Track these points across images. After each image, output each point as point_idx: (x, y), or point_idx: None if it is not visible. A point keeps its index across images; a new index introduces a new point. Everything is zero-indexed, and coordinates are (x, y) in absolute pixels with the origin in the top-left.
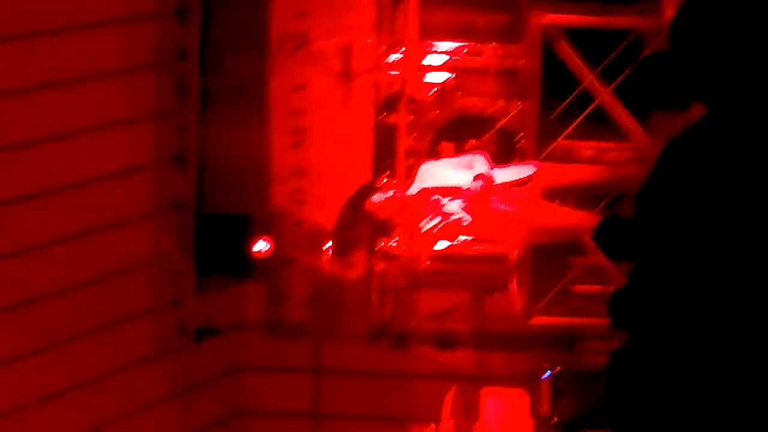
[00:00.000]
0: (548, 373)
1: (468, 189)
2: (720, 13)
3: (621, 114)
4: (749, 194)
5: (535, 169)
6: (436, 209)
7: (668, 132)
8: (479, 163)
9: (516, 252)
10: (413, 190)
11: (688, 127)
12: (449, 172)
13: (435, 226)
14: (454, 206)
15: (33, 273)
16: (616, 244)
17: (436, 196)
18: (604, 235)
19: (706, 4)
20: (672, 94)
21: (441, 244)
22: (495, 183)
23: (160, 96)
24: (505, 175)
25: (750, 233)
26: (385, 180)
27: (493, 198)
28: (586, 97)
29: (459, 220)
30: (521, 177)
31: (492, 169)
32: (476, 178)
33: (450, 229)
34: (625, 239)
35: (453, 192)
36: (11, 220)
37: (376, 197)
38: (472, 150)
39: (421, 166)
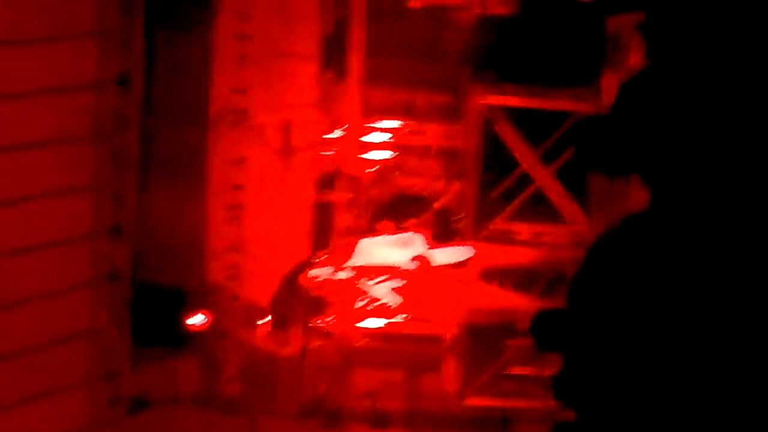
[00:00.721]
0: None
1: (405, 269)
2: (665, 91)
3: (560, 196)
4: (674, 292)
5: (472, 251)
6: (367, 292)
7: (606, 217)
8: (417, 243)
9: (451, 333)
10: (350, 266)
11: (615, 225)
12: (387, 250)
13: (367, 305)
14: (382, 290)
15: None
16: (551, 338)
17: (368, 281)
18: (540, 328)
19: (653, 81)
20: (610, 161)
21: (376, 323)
22: (432, 264)
23: (99, 166)
24: (442, 255)
25: (678, 332)
26: (322, 257)
27: (430, 279)
28: (525, 179)
29: (386, 305)
30: (459, 259)
31: (430, 248)
32: (414, 259)
33: (381, 310)
34: (559, 334)
35: (390, 271)
36: None
37: (313, 273)
38: (411, 229)
39: (360, 242)
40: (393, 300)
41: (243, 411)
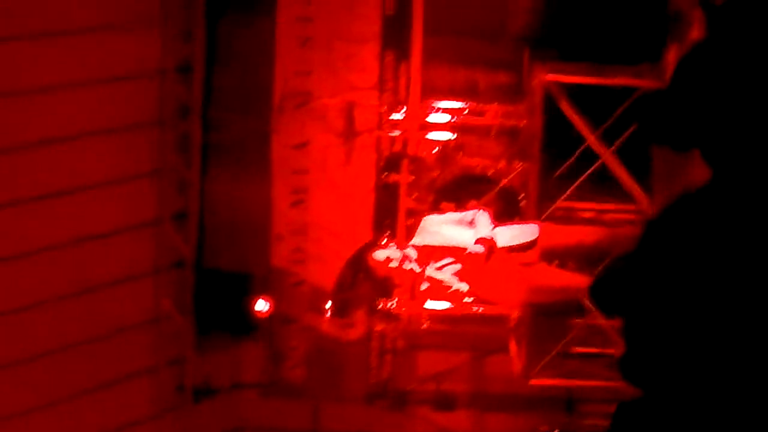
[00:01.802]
0: None
1: (470, 252)
2: (722, 64)
3: (622, 175)
4: (732, 269)
5: (537, 231)
6: (432, 280)
7: (668, 194)
8: (482, 221)
9: (516, 313)
10: (415, 243)
11: (671, 202)
12: (451, 229)
13: (433, 287)
14: (447, 275)
15: (36, 329)
16: (611, 299)
17: (432, 268)
18: (599, 290)
19: (710, 54)
20: (671, 134)
21: (440, 305)
22: (497, 246)
23: (162, 153)
24: (507, 235)
25: (738, 298)
26: (386, 239)
27: (493, 260)
28: (587, 158)
29: (455, 289)
30: (523, 240)
31: (494, 227)
32: (478, 242)
33: (447, 292)
34: (619, 295)
35: (454, 252)
36: (18, 276)
37: (378, 253)
38: (474, 208)
39: (424, 219)
40: (459, 286)
41: (308, 396)
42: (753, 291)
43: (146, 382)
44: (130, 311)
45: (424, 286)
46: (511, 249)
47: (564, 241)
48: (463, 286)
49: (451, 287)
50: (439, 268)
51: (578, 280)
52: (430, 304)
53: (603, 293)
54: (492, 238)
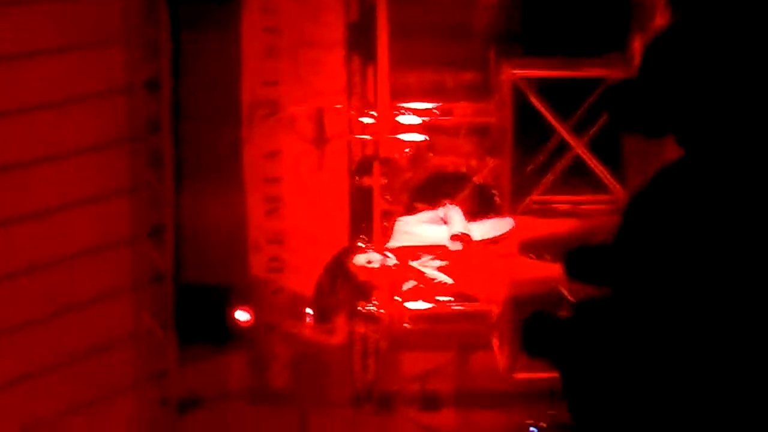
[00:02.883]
0: (533, 429)
1: (447, 250)
2: (691, 48)
3: (595, 166)
4: (716, 241)
5: (512, 224)
6: (416, 274)
7: (641, 181)
8: (454, 217)
9: (497, 308)
10: (392, 245)
11: (651, 180)
12: (426, 228)
13: (415, 287)
14: (432, 270)
15: (14, 350)
16: (586, 270)
17: (415, 262)
18: (574, 263)
19: (678, 38)
20: (642, 122)
21: (421, 305)
22: (473, 241)
23: (134, 170)
24: (482, 229)
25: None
26: (362, 242)
27: (471, 256)
28: (560, 151)
29: (440, 282)
30: (499, 233)
31: (468, 222)
32: (454, 238)
33: (432, 290)
34: (595, 265)
35: (432, 250)
36: None
37: (358, 257)
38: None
39: (398, 222)
40: (444, 278)
41: (294, 403)
42: (733, 264)
43: (130, 398)
44: (111, 328)
45: (404, 287)
46: (486, 242)
47: (538, 233)
48: (448, 279)
49: (435, 280)
50: (421, 264)
51: (557, 271)
52: (411, 305)
53: (579, 263)
54: (467, 233)
